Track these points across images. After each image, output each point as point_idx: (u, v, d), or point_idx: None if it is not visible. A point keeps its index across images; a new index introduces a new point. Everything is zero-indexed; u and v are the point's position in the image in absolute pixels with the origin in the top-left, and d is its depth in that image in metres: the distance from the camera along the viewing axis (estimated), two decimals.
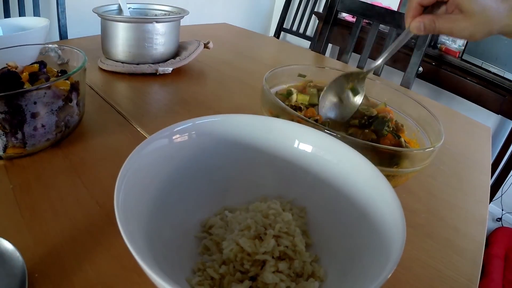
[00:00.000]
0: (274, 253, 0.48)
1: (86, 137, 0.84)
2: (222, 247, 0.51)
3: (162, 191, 0.53)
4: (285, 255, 0.49)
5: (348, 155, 0.57)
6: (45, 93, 0.69)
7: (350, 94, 0.83)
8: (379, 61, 0.78)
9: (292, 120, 0.66)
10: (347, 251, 0.51)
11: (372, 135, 0.77)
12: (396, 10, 2.93)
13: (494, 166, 2.56)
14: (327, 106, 0.83)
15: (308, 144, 0.61)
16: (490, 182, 0.97)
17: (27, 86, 0.75)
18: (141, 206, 0.47)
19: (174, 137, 0.56)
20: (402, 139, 0.78)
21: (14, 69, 0.82)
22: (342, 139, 0.59)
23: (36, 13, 2.09)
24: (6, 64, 0.83)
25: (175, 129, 0.56)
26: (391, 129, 0.80)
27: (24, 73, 0.79)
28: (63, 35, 2.17)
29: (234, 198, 0.61)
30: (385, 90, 0.93)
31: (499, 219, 2.75)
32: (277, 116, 0.73)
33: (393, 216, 0.45)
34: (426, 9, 0.70)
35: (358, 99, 0.83)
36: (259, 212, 0.54)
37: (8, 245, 0.49)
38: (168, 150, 0.55)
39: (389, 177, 0.66)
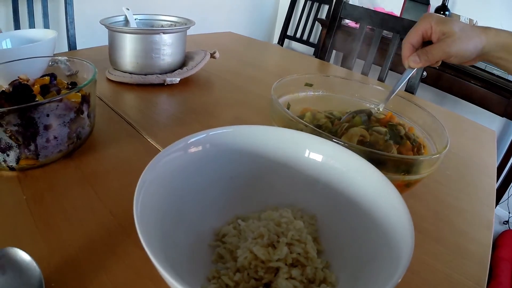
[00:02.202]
0: (287, 260, 0.49)
1: (97, 148, 0.85)
2: (236, 255, 0.52)
3: (177, 201, 0.54)
4: (298, 262, 0.50)
5: (357, 164, 0.58)
6: (58, 105, 0.70)
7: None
8: (382, 104, 0.88)
9: (302, 130, 0.67)
10: (357, 257, 0.52)
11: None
12: (398, 15, 2.94)
13: (500, 169, 2.56)
14: None
15: (318, 154, 0.62)
16: (496, 185, 0.98)
17: (38, 98, 0.76)
18: (157, 215, 0.48)
19: (189, 149, 0.57)
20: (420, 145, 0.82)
21: (25, 82, 0.83)
22: (350, 148, 0.60)
23: (46, 23, 2.12)
24: (18, 77, 0.84)
25: (190, 141, 0.57)
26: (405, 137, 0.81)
27: (36, 86, 0.80)
28: (71, 45, 2.19)
29: (246, 207, 0.62)
30: (391, 98, 0.94)
31: (506, 222, 2.74)
32: (286, 126, 0.74)
33: (401, 223, 0.46)
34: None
35: None
36: (271, 220, 0.55)
37: (25, 256, 0.50)
38: (182, 161, 0.56)
39: (398, 184, 0.67)
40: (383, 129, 0.80)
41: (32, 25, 2.07)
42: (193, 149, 0.58)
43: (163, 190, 0.51)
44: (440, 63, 0.83)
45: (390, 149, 0.75)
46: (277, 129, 0.65)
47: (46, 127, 0.71)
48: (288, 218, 0.55)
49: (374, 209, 0.53)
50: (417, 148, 0.82)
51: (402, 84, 0.84)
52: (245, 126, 0.63)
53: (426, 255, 0.65)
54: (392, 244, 0.46)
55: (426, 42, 0.82)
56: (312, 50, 3.83)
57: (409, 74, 0.83)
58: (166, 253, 0.44)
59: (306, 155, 0.63)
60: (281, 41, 4.02)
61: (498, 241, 2.38)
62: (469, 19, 2.69)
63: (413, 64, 0.80)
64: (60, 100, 0.71)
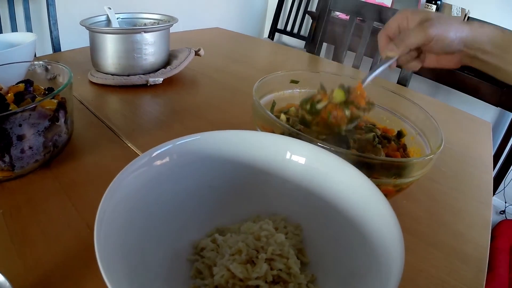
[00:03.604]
0: (267, 278, 0.47)
1: (76, 155, 0.82)
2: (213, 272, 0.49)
3: (150, 217, 0.52)
4: (279, 278, 0.48)
5: (342, 169, 0.55)
6: (30, 114, 0.68)
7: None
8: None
9: (284, 133, 0.65)
10: (345, 268, 0.50)
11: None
12: (389, 6, 2.92)
13: (496, 158, 2.55)
14: None
15: (300, 158, 0.59)
16: (492, 175, 0.96)
17: (12, 107, 0.73)
18: (127, 236, 0.45)
19: (154, 162, 0.54)
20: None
21: None
22: (336, 152, 0.57)
23: (28, 26, 2.09)
24: None
25: (154, 154, 0.54)
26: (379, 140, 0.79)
27: (9, 94, 0.77)
28: (56, 47, 2.16)
29: (227, 217, 0.60)
30: (381, 92, 0.91)
31: (503, 212, 2.74)
32: (269, 128, 0.71)
33: (390, 234, 0.44)
34: None
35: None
36: (250, 234, 0.53)
37: None
38: (150, 176, 0.53)
39: (389, 188, 0.64)
40: (371, 135, 0.78)
41: (14, 28, 2.04)
42: (159, 162, 0.55)
43: (130, 212, 0.48)
44: (418, 67, 0.81)
45: (378, 153, 0.73)
46: (251, 133, 0.62)
47: (20, 137, 0.68)
48: (269, 231, 0.53)
49: (360, 216, 0.51)
50: (403, 148, 0.80)
51: (376, 74, 0.78)
52: (214, 132, 0.60)
53: (421, 261, 0.63)
54: (381, 256, 0.44)
55: None
56: (303, 43, 3.81)
57: (386, 65, 0.77)
58: (135, 273, 0.42)
59: (287, 159, 0.60)
60: (271, 35, 4.01)
61: (495, 232, 2.37)
62: (461, 8, 2.67)
63: (391, 53, 0.75)
64: (33, 109, 0.68)
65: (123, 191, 0.48)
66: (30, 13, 2.10)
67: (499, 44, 0.71)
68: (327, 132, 0.76)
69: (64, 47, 2.18)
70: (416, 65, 0.81)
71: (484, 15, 2.49)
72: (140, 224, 0.49)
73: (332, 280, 0.50)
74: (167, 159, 0.55)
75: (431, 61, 0.80)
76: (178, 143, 0.57)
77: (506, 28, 0.73)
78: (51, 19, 2.11)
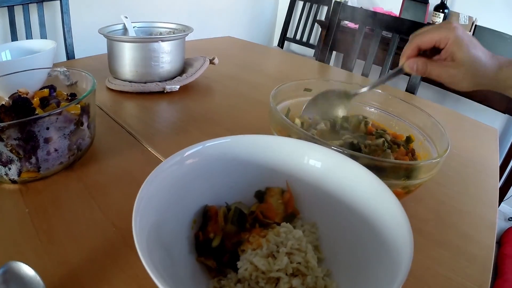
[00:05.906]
0: (288, 270, 0.49)
1: (98, 158, 0.85)
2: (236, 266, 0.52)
3: (177, 214, 0.54)
4: (298, 271, 0.50)
5: (355, 171, 0.58)
6: (57, 118, 0.71)
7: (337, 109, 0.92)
8: (365, 88, 0.88)
9: (300, 137, 0.67)
10: (358, 264, 0.52)
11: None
12: (397, 15, 2.94)
13: (504, 165, 2.55)
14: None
15: (316, 161, 0.62)
16: (501, 181, 0.97)
17: (38, 111, 0.76)
18: (157, 229, 0.48)
19: (185, 161, 0.57)
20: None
21: (25, 95, 0.83)
22: (350, 156, 0.60)
23: (43, 33, 2.11)
24: (17, 90, 0.85)
25: (186, 154, 0.57)
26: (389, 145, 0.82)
27: (35, 99, 0.81)
28: (69, 54, 2.19)
29: None
30: (389, 100, 0.94)
31: (511, 219, 2.73)
32: (285, 133, 0.74)
33: (400, 230, 0.46)
34: (422, 53, 0.76)
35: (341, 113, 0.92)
36: (270, 230, 0.56)
37: (29, 270, 0.50)
38: (180, 175, 0.56)
39: (398, 190, 0.67)
40: (381, 140, 0.80)
41: (29, 35, 2.06)
42: (190, 161, 0.57)
43: (161, 205, 0.51)
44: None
45: (388, 157, 0.75)
46: (275, 137, 0.65)
47: (47, 140, 0.71)
48: (287, 228, 0.56)
49: (373, 216, 0.53)
50: (411, 152, 0.82)
51: (386, 79, 0.84)
52: (241, 136, 0.62)
53: (429, 260, 0.65)
54: (391, 252, 0.46)
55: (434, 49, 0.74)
56: (312, 51, 3.82)
57: (398, 74, 0.80)
58: (165, 266, 0.44)
59: (305, 163, 0.62)
60: (281, 43, 4.02)
61: (503, 238, 2.37)
62: (469, 16, 2.68)
63: (408, 70, 0.77)
64: (60, 113, 0.71)
65: (156, 186, 0.51)
66: (45, 20, 2.13)
67: None
68: None
69: (78, 54, 2.21)
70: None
71: (491, 24, 2.51)
72: (169, 217, 0.52)
73: (346, 274, 0.52)
74: (197, 159, 0.58)
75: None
76: (207, 145, 0.60)
77: None
78: (65, 26, 2.14)
